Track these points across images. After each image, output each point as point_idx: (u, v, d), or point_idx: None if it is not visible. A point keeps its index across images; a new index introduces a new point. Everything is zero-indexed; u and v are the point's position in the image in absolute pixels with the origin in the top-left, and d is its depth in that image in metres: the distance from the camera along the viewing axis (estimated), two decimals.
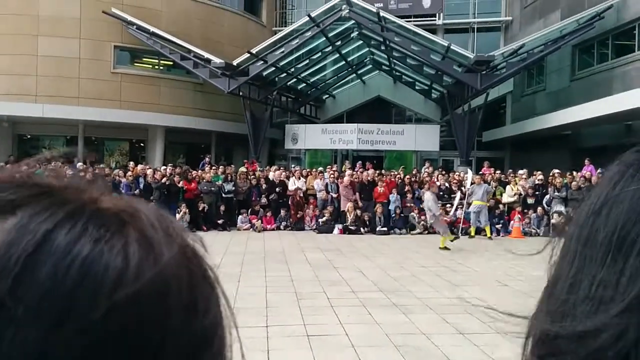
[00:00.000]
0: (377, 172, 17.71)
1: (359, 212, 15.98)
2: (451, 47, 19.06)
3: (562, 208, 15.60)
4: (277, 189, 16.84)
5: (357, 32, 22.25)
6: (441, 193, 16.49)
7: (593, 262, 0.42)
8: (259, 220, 15.98)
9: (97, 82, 22.38)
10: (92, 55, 22.44)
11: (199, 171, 17.72)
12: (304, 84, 26.88)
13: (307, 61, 23.73)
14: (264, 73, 22.11)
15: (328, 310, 6.77)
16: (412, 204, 16.33)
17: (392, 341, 5.52)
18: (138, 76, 23.65)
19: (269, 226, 15.98)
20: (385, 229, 15.68)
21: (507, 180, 17.29)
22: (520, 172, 17.55)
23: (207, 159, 20.48)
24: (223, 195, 16.37)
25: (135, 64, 24.24)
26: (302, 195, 16.75)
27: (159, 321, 0.35)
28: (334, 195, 16.72)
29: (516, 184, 16.73)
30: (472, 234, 15.03)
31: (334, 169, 18.52)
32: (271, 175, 17.58)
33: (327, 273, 9.32)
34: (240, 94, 21.97)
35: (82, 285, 0.33)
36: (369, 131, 24.05)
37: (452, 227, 15.57)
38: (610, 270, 0.41)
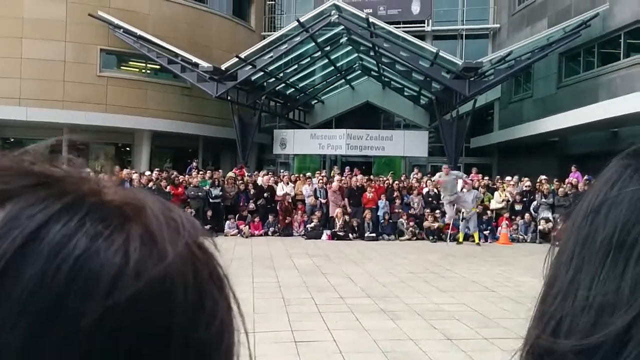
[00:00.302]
0: (366, 177, 17.69)
1: (347, 217, 15.93)
2: (440, 53, 19.14)
3: (549, 214, 15.69)
4: (265, 194, 16.74)
5: (346, 38, 22.27)
6: (430, 199, 16.52)
7: (592, 262, 0.42)
8: (247, 226, 15.86)
9: (82, 86, 22.17)
10: (77, 59, 22.23)
11: (186, 176, 17.58)
12: (293, 89, 26.85)
13: (296, 66, 23.72)
14: (253, 78, 22.05)
15: (316, 316, 6.70)
16: (400, 210, 16.31)
17: (380, 347, 5.46)
18: (124, 80, 23.48)
19: (256, 232, 15.87)
20: (373, 234, 15.64)
21: (495, 186, 17.34)
22: (508, 178, 17.63)
23: (194, 164, 20.33)
24: (210, 200, 16.24)
25: (122, 68, 24.08)
26: (290, 200, 16.67)
27: (160, 326, 0.32)
28: (323, 201, 16.67)
29: (504, 190, 16.78)
30: (461, 240, 15.03)
31: (322, 174, 18.47)
32: (259, 181, 17.48)
33: (315, 279, 9.25)
34: (229, 98, 21.86)
35: (73, 286, 0.30)
36: (357, 137, 24.06)
37: (440, 232, 15.61)
38: (610, 274, 0.40)
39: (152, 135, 23.81)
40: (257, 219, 16.17)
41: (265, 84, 23.64)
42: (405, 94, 28.02)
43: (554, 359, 0.41)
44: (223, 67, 20.92)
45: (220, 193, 16.44)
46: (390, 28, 20.44)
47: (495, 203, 16.56)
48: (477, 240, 14.98)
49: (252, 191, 16.83)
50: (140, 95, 23.52)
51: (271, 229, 16.10)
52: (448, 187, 14.85)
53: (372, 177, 18.53)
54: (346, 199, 16.48)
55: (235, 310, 0.37)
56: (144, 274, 0.32)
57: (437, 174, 15.57)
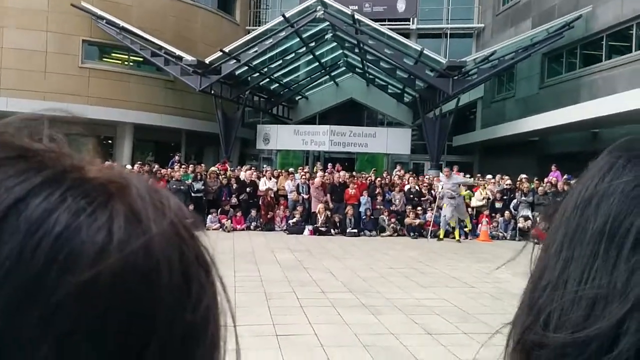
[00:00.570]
0: (349, 174, 17.74)
1: (329, 213, 15.97)
2: (424, 51, 19.24)
3: (528, 212, 15.88)
4: (248, 189, 16.69)
5: (331, 34, 22.27)
6: (411, 196, 16.63)
7: (582, 254, 0.41)
8: (229, 220, 15.81)
9: (64, 77, 21.89)
10: (59, 49, 21.93)
11: (168, 169, 17.46)
12: (277, 84, 26.80)
13: (281, 61, 23.67)
14: (237, 72, 21.94)
15: (297, 311, 6.71)
16: (382, 207, 16.39)
17: (361, 341, 5.50)
18: (107, 72, 23.23)
19: (238, 226, 15.83)
20: (355, 230, 15.69)
21: (475, 184, 17.50)
22: (489, 176, 17.80)
23: (176, 158, 20.18)
24: (192, 194, 16.14)
25: (104, 59, 23.80)
26: (272, 195, 16.65)
27: (145, 307, 0.30)
28: (305, 197, 16.68)
29: (485, 188, 16.95)
30: (441, 236, 15.15)
31: (305, 170, 18.48)
32: (242, 175, 17.43)
33: (297, 274, 9.26)
34: (212, 92, 21.75)
35: (54, 264, 0.29)
36: (341, 133, 24.09)
37: (421, 229, 15.72)
38: (602, 266, 0.40)
39: (134, 128, 23.60)
40: (239, 214, 16.12)
41: (249, 78, 23.55)
42: (389, 91, 28.12)
43: (544, 353, 0.41)
44: (207, 60, 20.78)
45: (203, 187, 16.36)
46: (376, 25, 20.47)
47: (475, 201, 16.72)
48: (457, 237, 15.12)
49: (234, 186, 16.77)
50: (123, 87, 23.28)
51: (253, 224, 16.06)
52: (448, 191, 14.99)
53: (354, 173, 18.59)
54: (328, 195, 16.51)
55: (222, 296, 0.36)
56: (127, 252, 0.30)
57: (441, 185, 15.47)
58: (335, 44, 23.96)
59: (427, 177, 18.55)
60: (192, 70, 20.56)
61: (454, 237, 15.14)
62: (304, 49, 22.95)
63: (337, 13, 19.99)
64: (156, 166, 18.10)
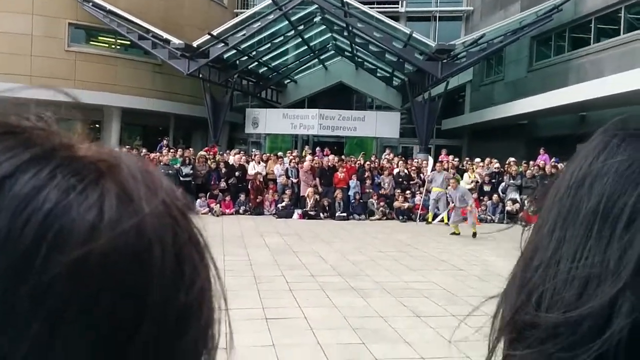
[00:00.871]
0: (338, 158, 17.75)
1: (318, 197, 15.99)
2: (413, 35, 19.16)
3: (516, 195, 16.01)
4: (237, 173, 16.66)
5: (320, 17, 22.11)
6: (400, 179, 16.68)
7: (575, 234, 0.41)
8: (218, 205, 15.79)
9: (50, 61, 21.59)
10: (45, 32, 21.60)
11: (157, 154, 17.36)
12: (266, 68, 26.62)
13: (269, 45, 23.49)
14: (225, 55, 21.76)
15: (287, 294, 6.74)
16: (371, 190, 16.43)
17: (350, 324, 5.54)
18: (93, 55, 22.95)
19: (227, 210, 15.81)
20: (344, 214, 15.74)
21: (464, 168, 17.58)
22: (477, 160, 17.90)
23: (164, 142, 20.07)
24: (181, 178, 16.07)
25: (91, 43, 23.50)
26: (261, 180, 16.63)
27: (137, 287, 0.30)
28: (294, 181, 16.68)
29: (473, 171, 17.03)
30: (430, 220, 15.24)
31: (294, 154, 18.46)
32: (231, 160, 17.39)
33: (286, 257, 9.29)
34: (200, 76, 21.57)
35: (43, 241, 0.28)
36: (330, 117, 24.03)
37: (410, 212, 15.80)
38: (595, 245, 0.39)
39: (121, 112, 23.38)
40: (228, 198, 16.09)
41: (237, 62, 23.36)
42: (378, 75, 28.04)
43: (536, 332, 0.40)
44: (195, 44, 20.59)
45: (191, 171, 16.30)
46: (364, 8, 20.34)
47: (464, 184, 16.79)
48: (445, 220, 15.20)
49: (223, 170, 16.72)
50: (110, 71, 23.02)
51: (242, 208, 16.06)
52: (438, 180, 15.22)
53: (343, 157, 18.60)
54: (317, 179, 16.53)
55: (215, 280, 0.36)
56: (119, 231, 0.29)
57: (430, 169, 15.69)
58: (324, 27, 23.80)
59: (415, 160, 18.62)
60: (180, 54, 20.36)
61: (442, 220, 15.24)
62: (293, 32, 22.77)
63: None
64: (144, 150, 18.00)
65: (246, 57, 23.32)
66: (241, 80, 25.45)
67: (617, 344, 0.36)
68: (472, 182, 16.74)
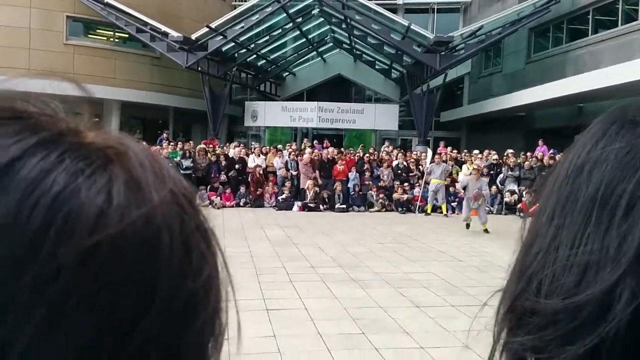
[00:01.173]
0: (337, 150, 17.81)
1: (318, 189, 16.06)
2: (411, 27, 19.15)
3: (515, 187, 16.08)
4: (237, 166, 16.72)
5: (318, 9, 22.05)
6: (399, 171, 16.75)
7: (574, 221, 0.41)
8: (218, 197, 15.85)
9: (48, 54, 21.55)
10: (43, 26, 21.56)
11: (157, 147, 17.40)
12: (264, 61, 26.59)
13: (268, 37, 23.46)
14: (224, 48, 21.75)
15: (287, 285, 6.82)
16: (370, 182, 16.50)
17: (350, 314, 5.62)
18: (92, 48, 22.91)
19: (228, 203, 15.88)
20: (344, 206, 15.81)
21: (463, 159, 17.64)
22: (476, 152, 17.95)
23: (164, 135, 20.09)
24: (181, 171, 16.03)
25: (89, 36, 23.46)
26: (261, 172, 16.69)
27: (145, 275, 0.29)
28: (294, 173, 16.74)
29: (472, 163, 17.07)
30: (429, 211, 15.32)
31: (293, 146, 18.51)
32: (231, 152, 17.44)
33: (287, 249, 9.36)
34: (199, 69, 21.57)
35: (52, 224, 0.27)
36: (329, 109, 24.06)
37: (409, 204, 15.88)
38: (594, 232, 0.39)
39: (120, 105, 23.37)
40: (228, 191, 16.16)
41: (236, 55, 23.34)
42: (377, 67, 28.03)
43: (536, 319, 0.41)
44: (193, 37, 20.55)
45: (191, 164, 16.35)
46: (362, 0, 20.31)
47: (463, 176, 16.85)
48: (444, 212, 15.30)
49: (223, 163, 16.78)
50: (109, 64, 23.00)
51: (242, 200, 16.12)
52: (437, 172, 15.26)
53: (342, 149, 18.66)
54: (317, 171, 16.59)
55: (223, 269, 0.37)
56: (127, 217, 0.29)
57: (429, 160, 15.71)
58: (322, 19, 23.75)
59: (414, 152, 18.67)
60: (179, 47, 20.34)
61: (441, 212, 15.33)
62: (291, 24, 22.74)
63: None
64: (144, 144, 17.98)
65: (245, 50, 23.29)
66: (240, 73, 25.43)
67: (616, 331, 0.36)
68: (470, 173, 16.79)
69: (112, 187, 0.30)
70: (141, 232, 0.30)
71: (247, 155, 17.43)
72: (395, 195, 16.06)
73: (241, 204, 16.04)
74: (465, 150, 19.26)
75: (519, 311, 0.43)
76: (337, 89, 28.72)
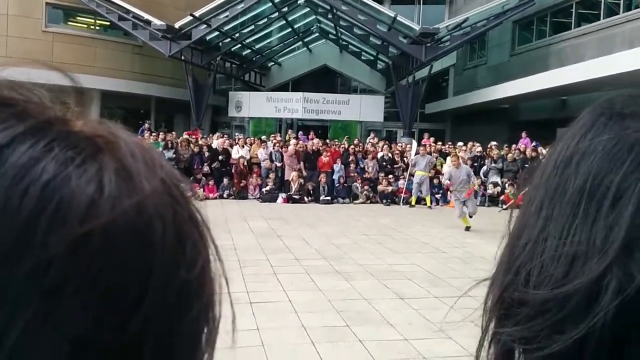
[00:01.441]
0: (322, 141, 17.76)
1: (302, 181, 15.99)
2: (397, 18, 19.10)
3: (497, 179, 16.17)
4: (220, 157, 16.57)
5: None
6: (384, 163, 16.74)
7: (562, 212, 0.41)
8: (201, 189, 15.70)
9: (26, 41, 21.14)
10: (21, 12, 21.15)
11: (138, 137, 17.17)
12: (249, 50, 26.39)
13: (253, 27, 23.26)
14: (208, 37, 21.52)
15: (271, 278, 6.77)
16: (355, 174, 16.48)
17: (334, 306, 5.59)
18: (72, 36, 22.55)
19: (211, 195, 15.74)
20: (328, 198, 15.77)
21: (447, 151, 17.68)
22: (460, 144, 18.01)
23: (146, 125, 19.85)
24: None
25: (69, 23, 23.08)
26: (245, 163, 16.57)
27: (138, 265, 0.29)
28: (278, 164, 16.66)
29: (456, 155, 17.11)
30: (413, 203, 15.35)
31: (277, 138, 18.41)
32: (214, 143, 17.28)
33: (271, 241, 9.31)
34: (182, 58, 21.31)
35: (42, 213, 0.27)
36: (314, 100, 23.98)
37: (394, 196, 15.89)
38: (581, 223, 0.39)
39: (101, 95, 23.03)
40: (211, 182, 16.02)
41: (220, 44, 23.11)
42: (363, 58, 27.97)
43: (525, 310, 0.41)
44: (177, 25, 20.31)
45: (174, 155, 16.15)
46: None
47: (447, 167, 16.89)
48: (429, 204, 15.34)
49: (206, 154, 16.62)
50: (89, 52, 22.64)
51: (226, 192, 16.01)
52: (421, 164, 15.25)
53: (327, 141, 18.60)
54: (302, 163, 16.52)
55: (215, 259, 0.35)
56: (119, 206, 0.29)
57: (414, 152, 15.67)
58: (308, 9, 23.59)
59: (399, 144, 18.68)
60: (162, 35, 20.07)
61: (425, 204, 15.37)
62: (277, 14, 22.56)
63: None
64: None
65: (229, 39, 23.07)
66: (224, 63, 25.20)
67: (604, 321, 0.36)
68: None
69: (103, 176, 0.29)
70: (133, 221, 0.29)
71: (231, 146, 17.28)
72: (380, 187, 16.06)
73: (224, 195, 15.92)
74: (450, 143, 19.32)
75: (507, 302, 0.43)
76: (323, 80, 28.62)
